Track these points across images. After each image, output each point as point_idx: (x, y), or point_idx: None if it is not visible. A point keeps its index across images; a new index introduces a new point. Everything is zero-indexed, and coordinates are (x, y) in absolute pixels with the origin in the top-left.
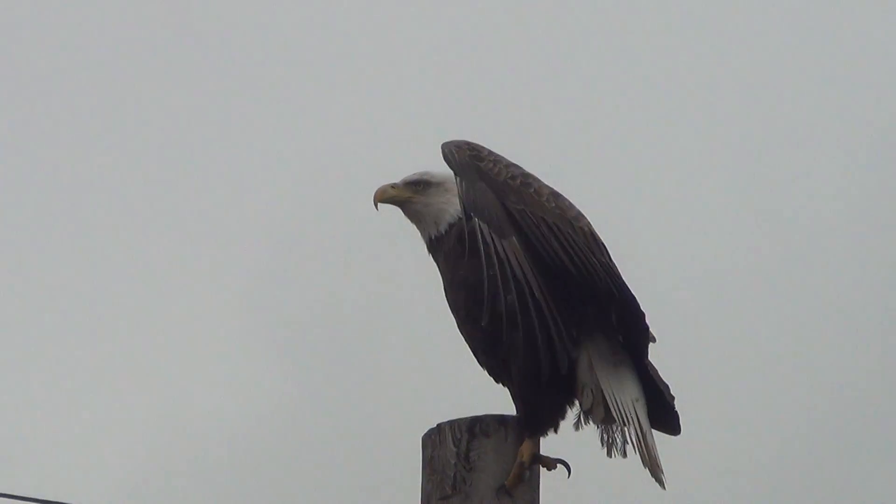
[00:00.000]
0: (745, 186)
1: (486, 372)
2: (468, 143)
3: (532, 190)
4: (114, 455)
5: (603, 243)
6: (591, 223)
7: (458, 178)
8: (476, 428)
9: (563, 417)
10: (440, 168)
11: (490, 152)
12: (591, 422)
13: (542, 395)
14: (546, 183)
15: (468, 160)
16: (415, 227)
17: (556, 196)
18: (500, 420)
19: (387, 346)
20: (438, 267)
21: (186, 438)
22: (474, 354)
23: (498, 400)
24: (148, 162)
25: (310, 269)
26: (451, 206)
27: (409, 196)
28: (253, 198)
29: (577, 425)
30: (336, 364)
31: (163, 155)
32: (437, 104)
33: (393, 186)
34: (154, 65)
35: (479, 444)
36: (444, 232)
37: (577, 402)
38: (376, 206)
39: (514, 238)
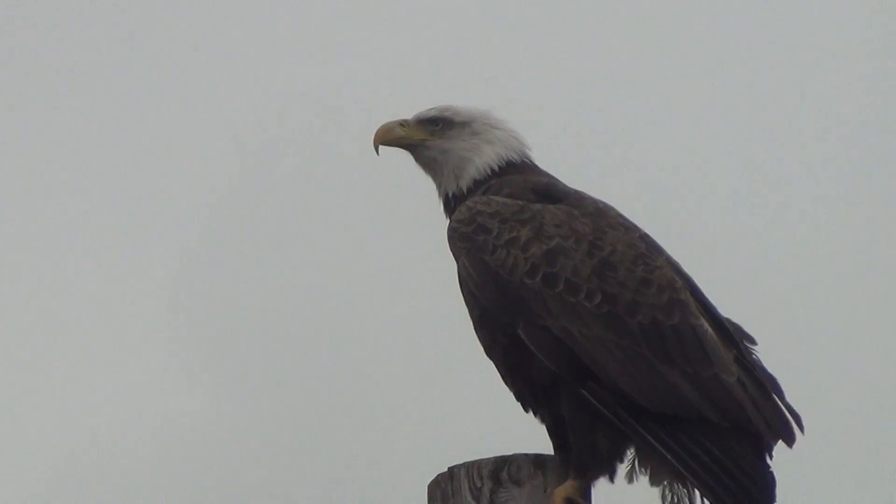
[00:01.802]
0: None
1: (513, 396)
2: (472, 212)
3: (562, 284)
4: (20, 467)
5: (701, 332)
6: (676, 275)
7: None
8: (503, 473)
9: (620, 461)
10: (464, 104)
11: (501, 218)
12: (647, 474)
13: (596, 431)
14: (587, 219)
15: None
16: (430, 178)
17: (601, 272)
18: (537, 461)
19: (364, 352)
20: None
21: (102, 452)
22: (497, 368)
23: (527, 431)
24: (48, 126)
25: (253, 251)
26: (477, 155)
27: (422, 138)
28: (179, 165)
29: (630, 475)
30: (292, 374)
31: (64, 118)
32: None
33: (402, 124)
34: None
35: (508, 494)
36: (465, 190)
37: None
38: (377, 149)
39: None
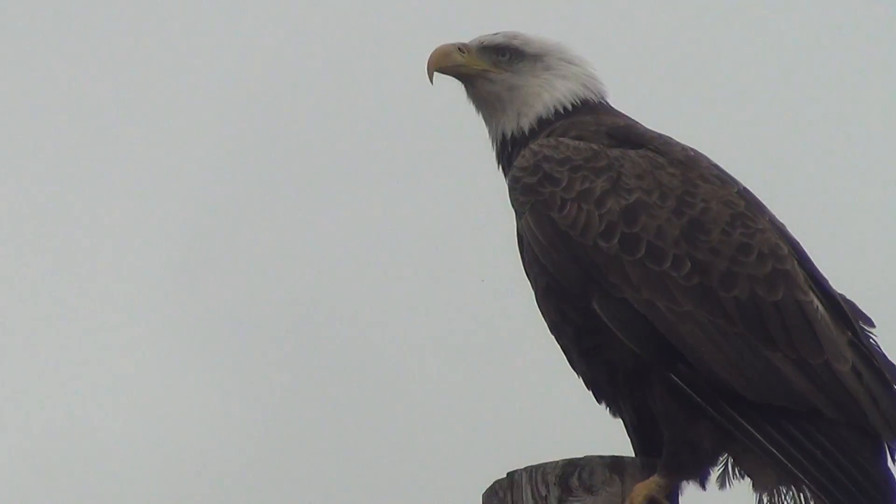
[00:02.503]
0: None
1: (582, 382)
2: (536, 154)
3: (644, 249)
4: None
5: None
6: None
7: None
8: (573, 478)
9: (715, 463)
10: (534, 33)
11: (572, 165)
12: (747, 479)
13: (697, 425)
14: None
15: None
16: (481, 117)
17: (691, 235)
18: (614, 465)
19: (401, 334)
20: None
21: (90, 438)
22: (563, 350)
23: (602, 427)
24: (29, 102)
25: (263, 227)
26: (546, 92)
27: (485, 68)
28: (178, 138)
29: (723, 479)
30: (314, 364)
31: (48, 94)
32: None
33: (462, 49)
34: None
35: None
36: (526, 131)
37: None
38: (431, 76)
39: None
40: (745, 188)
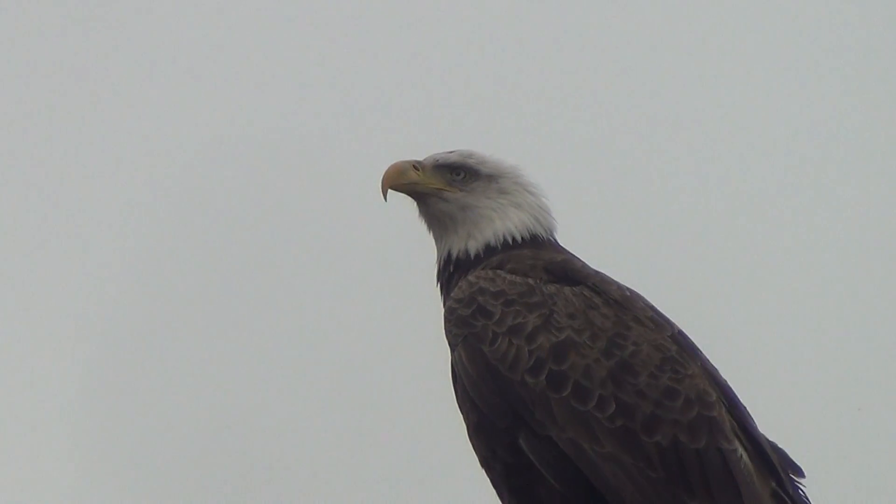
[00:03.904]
0: None
1: None
2: (472, 287)
3: (570, 387)
4: None
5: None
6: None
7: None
8: None
9: None
10: (488, 152)
11: (506, 299)
12: None
13: None
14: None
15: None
16: (432, 235)
17: (618, 377)
18: None
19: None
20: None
21: None
22: (493, 486)
23: None
24: None
25: (169, 360)
26: (499, 219)
27: (439, 187)
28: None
29: None
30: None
31: None
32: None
33: (417, 166)
34: None
35: None
36: (472, 254)
37: None
38: (385, 194)
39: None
40: (679, 331)
